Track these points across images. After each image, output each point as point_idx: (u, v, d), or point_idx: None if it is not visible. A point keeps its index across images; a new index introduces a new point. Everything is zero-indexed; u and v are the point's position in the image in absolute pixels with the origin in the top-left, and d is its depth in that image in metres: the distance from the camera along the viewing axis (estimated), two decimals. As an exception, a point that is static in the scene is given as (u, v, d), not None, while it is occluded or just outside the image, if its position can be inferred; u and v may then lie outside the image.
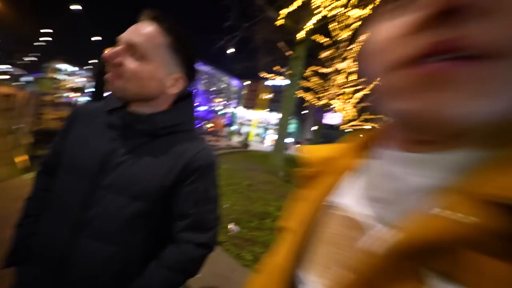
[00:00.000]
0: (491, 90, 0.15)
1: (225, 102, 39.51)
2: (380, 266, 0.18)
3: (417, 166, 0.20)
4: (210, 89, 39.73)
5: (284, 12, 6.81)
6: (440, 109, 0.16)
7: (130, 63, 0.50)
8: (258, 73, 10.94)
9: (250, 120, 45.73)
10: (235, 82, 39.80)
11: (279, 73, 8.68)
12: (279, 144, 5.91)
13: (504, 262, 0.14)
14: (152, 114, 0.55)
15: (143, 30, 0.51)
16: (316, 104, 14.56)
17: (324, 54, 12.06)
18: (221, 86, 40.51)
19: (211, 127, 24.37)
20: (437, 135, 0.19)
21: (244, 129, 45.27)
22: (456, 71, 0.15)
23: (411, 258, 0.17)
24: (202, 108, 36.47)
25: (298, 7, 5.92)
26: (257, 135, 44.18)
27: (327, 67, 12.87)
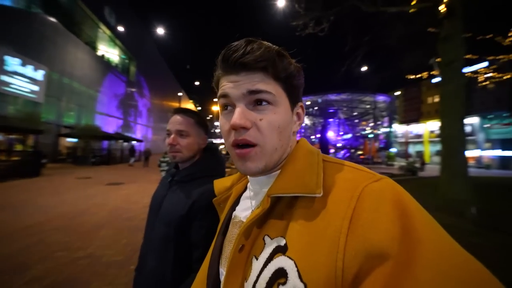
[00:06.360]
0: (259, 159, 0.37)
1: (373, 123, 34.12)
2: (243, 234, 0.36)
3: (258, 182, 0.42)
4: (353, 114, 37.07)
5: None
6: (247, 168, 0.37)
7: (182, 142, 0.86)
8: (406, 77, 8.73)
9: (420, 136, 34.40)
10: (381, 98, 33.87)
11: (431, 67, 6.26)
12: (455, 165, 3.83)
13: (276, 222, 0.35)
14: (183, 169, 0.88)
15: (180, 120, 0.88)
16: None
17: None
18: (367, 107, 36.30)
19: (361, 154, 21.78)
20: (254, 174, 0.39)
21: (415, 149, 34.55)
22: (246, 153, 0.36)
23: (254, 227, 0.36)
24: (347, 136, 34.32)
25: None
26: (439, 153, 31.19)
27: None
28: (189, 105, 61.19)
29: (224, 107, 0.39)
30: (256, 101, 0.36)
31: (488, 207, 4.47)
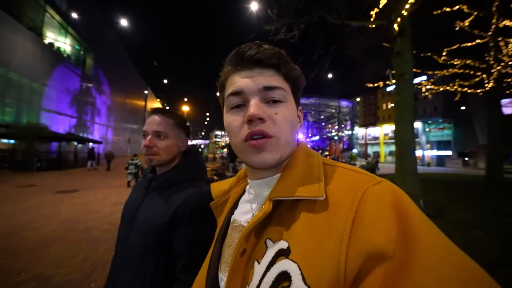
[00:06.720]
0: (275, 150, 0.37)
1: (338, 126, 37.05)
2: (244, 238, 0.35)
3: (259, 185, 0.42)
4: (321, 117, 39.65)
5: (373, 12, 6.02)
6: (262, 159, 0.36)
7: (159, 144, 0.79)
8: (365, 85, 9.68)
9: (377, 138, 38.54)
10: (345, 103, 37.03)
11: (387, 78, 7.15)
12: (407, 164, 4.42)
13: (277, 226, 0.34)
14: (161, 174, 0.81)
15: (158, 121, 0.81)
16: (480, 92, 9.92)
17: (464, 23, 8.51)
18: (332, 111, 39.22)
19: (327, 155, 23.38)
20: (260, 169, 0.39)
21: (372, 150, 38.54)
22: (263, 143, 0.36)
23: (255, 231, 0.36)
24: (315, 138, 36.52)
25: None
26: (391, 153, 35.43)
27: (477, 38, 8.80)
28: (156, 104, 57.31)
29: (233, 103, 0.39)
30: (269, 97, 0.37)
31: (432, 199, 5.26)
